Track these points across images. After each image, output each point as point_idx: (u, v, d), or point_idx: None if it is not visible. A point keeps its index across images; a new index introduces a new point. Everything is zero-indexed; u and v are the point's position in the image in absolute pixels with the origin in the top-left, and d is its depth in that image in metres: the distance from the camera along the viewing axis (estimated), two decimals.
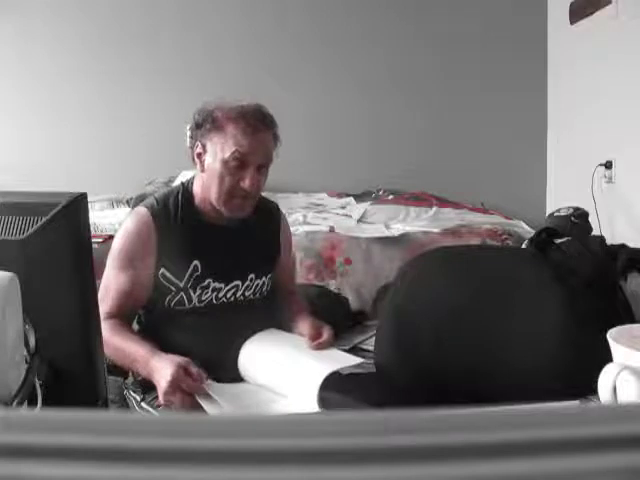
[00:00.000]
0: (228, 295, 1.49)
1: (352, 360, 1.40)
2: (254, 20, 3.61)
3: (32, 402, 0.83)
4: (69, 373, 0.89)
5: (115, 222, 2.85)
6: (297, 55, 3.63)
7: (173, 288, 1.43)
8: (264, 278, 1.55)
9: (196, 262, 1.44)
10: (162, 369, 1.26)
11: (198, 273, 1.44)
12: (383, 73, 3.65)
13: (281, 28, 3.63)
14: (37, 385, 0.84)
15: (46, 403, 0.84)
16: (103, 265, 1.45)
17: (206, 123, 1.43)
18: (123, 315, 1.44)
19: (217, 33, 3.59)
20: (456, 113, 3.66)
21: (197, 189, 1.49)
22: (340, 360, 1.38)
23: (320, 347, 1.40)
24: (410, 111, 3.67)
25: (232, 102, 1.45)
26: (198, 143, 1.45)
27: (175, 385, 1.23)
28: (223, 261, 1.47)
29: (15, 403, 0.77)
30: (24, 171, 3.28)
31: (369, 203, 3.23)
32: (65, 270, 0.90)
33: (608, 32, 2.99)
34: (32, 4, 3.51)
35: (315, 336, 1.43)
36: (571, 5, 3.31)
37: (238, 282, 1.50)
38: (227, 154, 1.40)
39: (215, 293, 1.47)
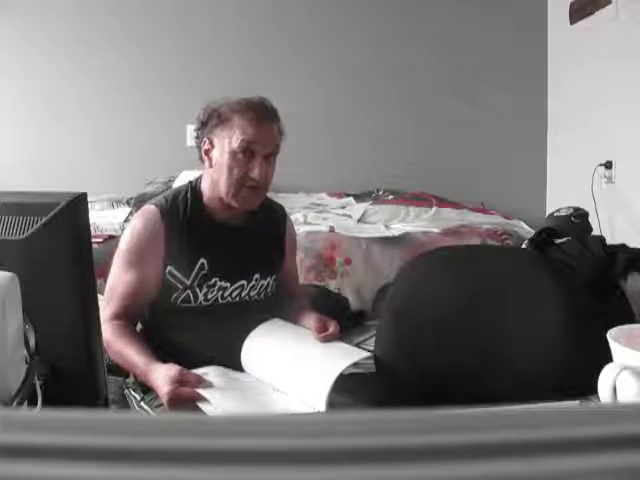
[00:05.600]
0: (233, 295, 1.49)
1: (361, 354, 1.40)
2: (253, 21, 3.61)
3: (32, 402, 0.83)
4: (69, 373, 0.89)
5: (115, 222, 2.85)
6: (296, 55, 3.63)
7: (180, 285, 1.44)
8: (269, 279, 1.55)
9: (203, 260, 1.44)
10: (158, 387, 1.28)
11: (205, 271, 1.44)
12: (383, 73, 3.65)
13: (280, 29, 3.63)
14: (37, 385, 0.84)
15: (46, 403, 0.84)
16: (105, 265, 1.45)
17: (212, 119, 1.45)
18: (128, 316, 1.44)
19: (216, 33, 3.59)
20: (456, 113, 3.66)
21: (205, 187, 1.50)
22: (349, 354, 1.38)
23: (326, 339, 1.41)
24: (410, 111, 3.67)
25: (236, 97, 1.47)
26: (205, 140, 1.47)
27: (176, 400, 1.24)
28: (230, 260, 1.47)
29: (15, 403, 0.77)
30: (24, 171, 3.28)
31: (369, 203, 3.23)
32: (65, 270, 0.90)
33: (608, 32, 2.99)
34: (29, 4, 3.51)
35: (321, 329, 1.44)
36: (571, 5, 3.31)
37: (244, 282, 1.50)
38: (235, 145, 1.42)
39: (221, 292, 1.47)
